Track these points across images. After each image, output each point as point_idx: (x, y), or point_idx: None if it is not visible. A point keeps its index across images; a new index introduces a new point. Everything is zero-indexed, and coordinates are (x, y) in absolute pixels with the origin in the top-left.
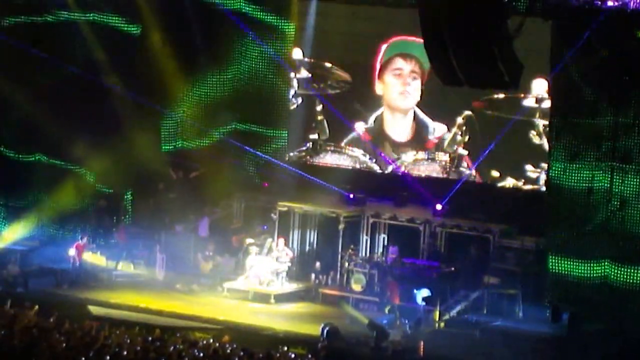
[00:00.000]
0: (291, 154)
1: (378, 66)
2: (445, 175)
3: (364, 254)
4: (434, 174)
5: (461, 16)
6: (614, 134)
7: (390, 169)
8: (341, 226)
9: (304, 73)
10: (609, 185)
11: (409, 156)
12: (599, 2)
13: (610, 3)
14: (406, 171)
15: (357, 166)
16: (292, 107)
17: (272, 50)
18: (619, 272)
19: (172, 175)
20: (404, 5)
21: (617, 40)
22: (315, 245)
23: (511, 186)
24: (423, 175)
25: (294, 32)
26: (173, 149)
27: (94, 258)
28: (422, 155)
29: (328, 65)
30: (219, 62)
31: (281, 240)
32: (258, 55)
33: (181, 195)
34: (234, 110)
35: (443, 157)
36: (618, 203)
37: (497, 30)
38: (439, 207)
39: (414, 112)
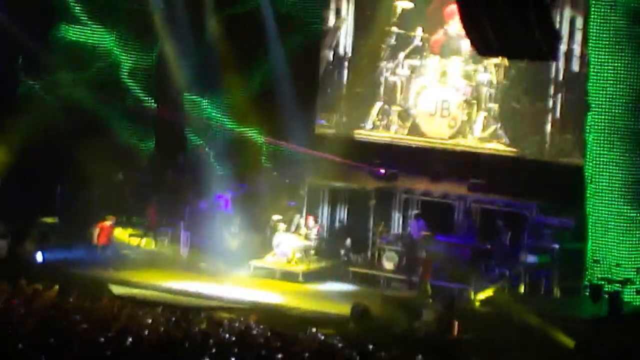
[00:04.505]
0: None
1: None
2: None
3: (396, 231)
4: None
5: None
6: None
7: None
8: (372, 202)
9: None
10: None
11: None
12: None
13: None
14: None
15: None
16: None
17: None
18: None
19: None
20: None
21: None
22: (345, 222)
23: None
24: (457, 149)
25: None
26: None
27: (115, 234)
28: None
29: None
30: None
31: (310, 217)
32: None
33: (205, 170)
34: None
35: None
36: None
37: None
38: (473, 182)
39: None
